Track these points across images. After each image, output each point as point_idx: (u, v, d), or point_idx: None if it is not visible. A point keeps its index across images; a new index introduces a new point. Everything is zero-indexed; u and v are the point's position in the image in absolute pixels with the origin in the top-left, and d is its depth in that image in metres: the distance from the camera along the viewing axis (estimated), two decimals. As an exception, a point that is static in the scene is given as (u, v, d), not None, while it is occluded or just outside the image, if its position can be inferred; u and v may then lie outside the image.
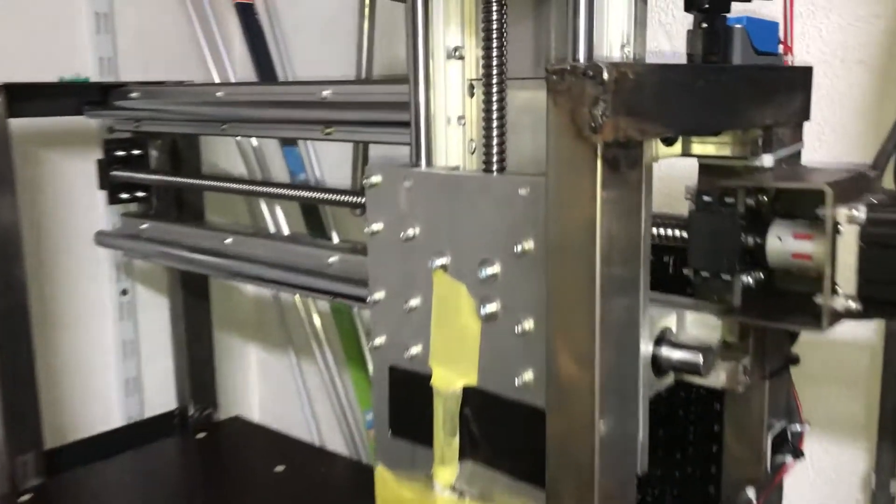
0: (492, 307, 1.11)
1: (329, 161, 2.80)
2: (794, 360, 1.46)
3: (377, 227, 1.40)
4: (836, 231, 1.14)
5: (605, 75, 0.97)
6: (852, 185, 1.21)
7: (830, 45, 1.71)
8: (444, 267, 1.23)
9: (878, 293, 1.13)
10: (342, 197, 1.87)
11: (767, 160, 1.31)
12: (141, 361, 2.66)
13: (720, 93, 1.16)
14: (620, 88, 0.99)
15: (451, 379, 1.18)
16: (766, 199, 1.29)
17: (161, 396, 2.64)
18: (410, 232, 1.25)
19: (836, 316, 1.17)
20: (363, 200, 1.39)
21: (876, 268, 1.12)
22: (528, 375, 1.09)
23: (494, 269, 1.17)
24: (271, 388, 3.01)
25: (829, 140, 1.60)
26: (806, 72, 1.39)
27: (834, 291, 1.16)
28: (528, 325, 1.08)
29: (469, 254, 1.17)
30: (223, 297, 2.73)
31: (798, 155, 1.42)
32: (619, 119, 0.99)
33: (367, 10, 2.22)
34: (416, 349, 1.24)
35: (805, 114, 1.41)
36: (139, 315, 2.60)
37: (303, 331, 2.76)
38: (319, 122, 1.85)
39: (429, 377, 1.21)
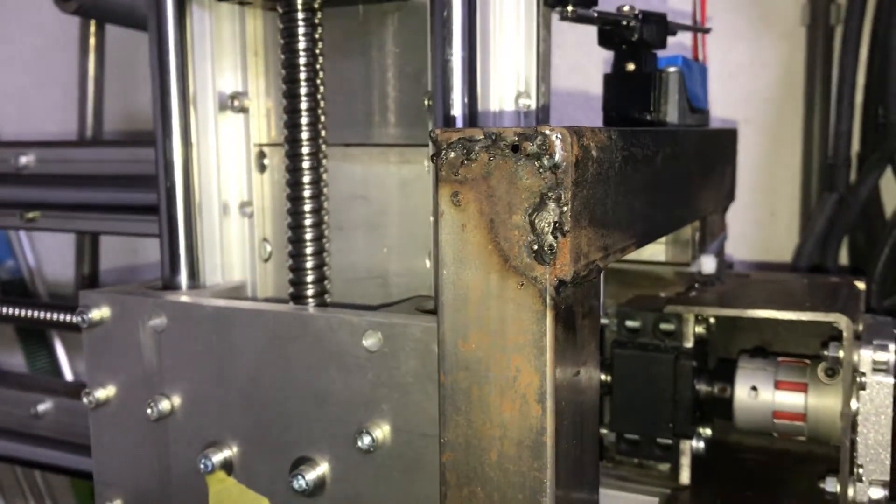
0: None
1: (50, 240, 2.11)
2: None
3: (103, 393, 0.82)
4: (856, 383, 0.73)
5: (560, 150, 0.49)
6: (854, 307, 0.82)
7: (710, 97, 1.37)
8: (225, 467, 0.78)
9: (924, 478, 0.74)
10: (58, 315, 1.24)
11: (709, 264, 0.90)
12: None
13: (677, 174, 0.73)
14: (583, 176, 0.51)
15: None
16: (715, 323, 0.87)
17: None
18: (163, 405, 0.81)
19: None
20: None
21: (921, 440, 0.73)
22: None
23: (319, 473, 0.74)
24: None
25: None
26: (732, 137, 1.01)
27: (853, 474, 0.75)
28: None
29: (273, 446, 0.76)
30: None
31: (723, 248, 1.03)
32: (580, 234, 0.51)
33: (92, 42, 1.60)
34: None
35: (732, 194, 1.02)
36: None
37: (13, 475, 2.02)
38: (16, 203, 1.21)
39: None
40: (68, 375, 2.03)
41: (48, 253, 2.12)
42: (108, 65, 1.71)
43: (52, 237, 2.03)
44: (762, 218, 1.36)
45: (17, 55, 2.08)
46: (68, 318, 1.34)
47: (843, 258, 1.24)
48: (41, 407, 1.28)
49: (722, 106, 1.39)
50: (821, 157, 1.26)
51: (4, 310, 1.40)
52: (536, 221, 0.50)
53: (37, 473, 2.05)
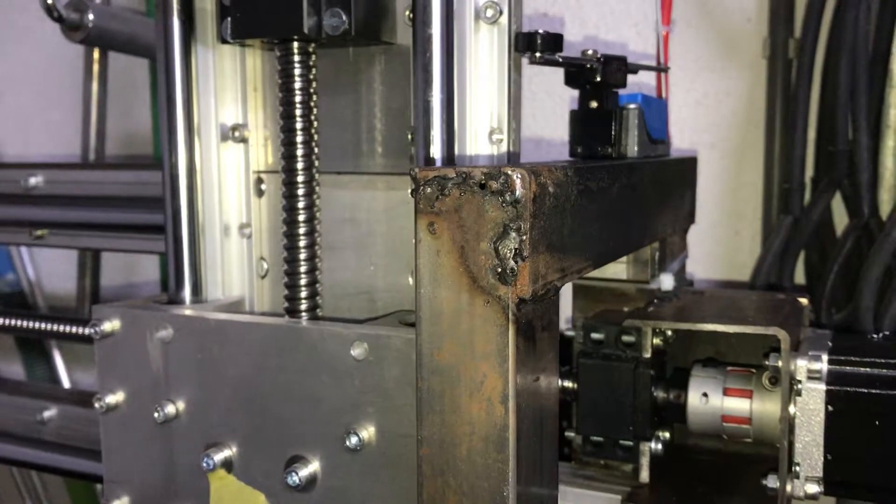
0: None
1: (49, 255, 2.17)
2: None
3: (114, 399, 0.90)
4: (793, 390, 0.82)
5: (520, 188, 0.58)
6: (795, 321, 0.90)
7: (677, 125, 1.47)
8: (226, 465, 0.88)
9: (853, 474, 0.82)
10: (59, 326, 1.31)
11: (667, 281, 0.99)
12: None
13: (633, 202, 0.81)
14: (540, 209, 0.60)
15: None
16: (673, 336, 0.96)
17: None
18: (169, 409, 0.80)
19: None
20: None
21: (849, 439, 0.82)
22: None
23: (311, 470, 0.83)
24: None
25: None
26: (692, 164, 1.10)
27: (791, 472, 0.83)
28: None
29: (269, 446, 0.84)
30: None
31: (684, 266, 1.12)
32: (538, 259, 0.60)
33: (95, 68, 1.68)
34: None
35: (692, 217, 1.11)
36: None
37: (12, 482, 2.07)
38: (25, 221, 1.29)
39: None
40: (66, 384, 2.09)
41: (47, 267, 2.18)
42: (113, 89, 1.78)
43: (52, 252, 2.09)
44: (726, 237, 1.45)
45: (19, 76, 2.15)
46: (69, 328, 1.42)
47: (801, 276, 1.33)
48: (46, 413, 1.36)
49: (689, 132, 1.48)
50: (781, 180, 1.35)
51: (8, 320, 1.48)
52: (500, 248, 0.59)
53: (35, 478, 2.11)
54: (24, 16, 2.04)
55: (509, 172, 0.58)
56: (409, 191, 0.62)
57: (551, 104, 1.57)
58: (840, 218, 1.28)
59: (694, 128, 1.47)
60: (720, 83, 1.45)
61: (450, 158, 0.79)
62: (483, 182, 0.59)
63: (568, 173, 0.65)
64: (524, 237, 0.58)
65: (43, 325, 1.41)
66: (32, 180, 1.32)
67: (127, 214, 1.26)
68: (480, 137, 0.83)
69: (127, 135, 1.94)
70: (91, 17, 1.41)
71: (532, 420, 0.64)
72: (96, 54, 1.71)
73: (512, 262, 0.58)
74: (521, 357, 0.61)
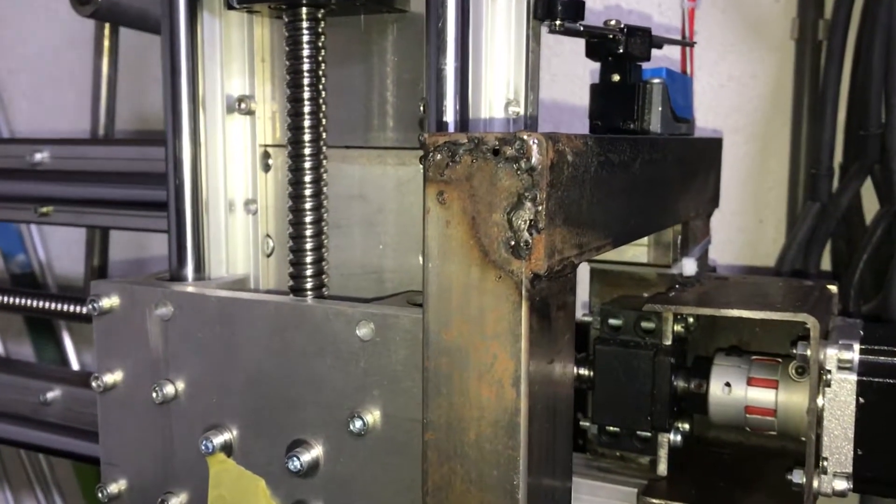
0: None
1: (60, 236, 2.16)
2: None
3: (112, 378, 0.87)
4: (822, 381, 0.78)
5: (536, 154, 0.54)
6: (824, 308, 0.86)
7: (701, 108, 1.42)
8: (225, 449, 0.83)
9: (885, 470, 0.78)
10: (67, 306, 1.29)
11: (689, 266, 0.95)
12: None
13: (656, 179, 0.77)
14: (557, 179, 0.56)
15: None
16: (695, 323, 0.92)
17: None
18: (168, 389, 0.86)
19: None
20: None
21: (882, 434, 0.77)
22: None
23: (313, 455, 0.79)
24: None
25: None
26: (717, 146, 1.06)
27: (818, 466, 0.79)
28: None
29: (270, 429, 0.80)
30: None
31: (706, 252, 1.08)
32: (554, 232, 0.56)
33: (106, 44, 1.65)
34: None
35: (716, 200, 1.06)
36: None
37: (20, 465, 2.06)
38: (31, 198, 1.26)
39: None
40: (75, 366, 2.08)
41: (58, 248, 2.16)
42: (124, 66, 1.76)
43: (63, 233, 2.08)
44: (750, 224, 1.40)
45: (31, 54, 2.13)
46: (77, 308, 1.40)
47: (827, 265, 1.28)
48: (49, 394, 1.33)
49: (712, 115, 1.43)
50: (807, 166, 1.30)
51: (16, 300, 1.45)
52: (514, 219, 0.55)
53: (44, 464, 2.10)
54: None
55: (525, 138, 0.54)
56: (419, 158, 0.58)
57: (571, 87, 1.52)
58: (870, 205, 1.23)
59: (717, 111, 1.42)
60: (746, 65, 1.40)
61: (463, 129, 0.75)
62: (497, 148, 0.55)
63: (588, 143, 0.61)
64: (540, 208, 0.54)
65: (47, 304, 1.38)
66: (38, 156, 1.29)
67: (134, 191, 1.23)
68: (496, 108, 0.79)
69: (140, 116, 1.91)
70: (100, -10, 1.38)
71: (545, 405, 0.60)
72: (107, 30, 1.68)
73: (526, 235, 0.55)
74: (535, 337, 0.57)
